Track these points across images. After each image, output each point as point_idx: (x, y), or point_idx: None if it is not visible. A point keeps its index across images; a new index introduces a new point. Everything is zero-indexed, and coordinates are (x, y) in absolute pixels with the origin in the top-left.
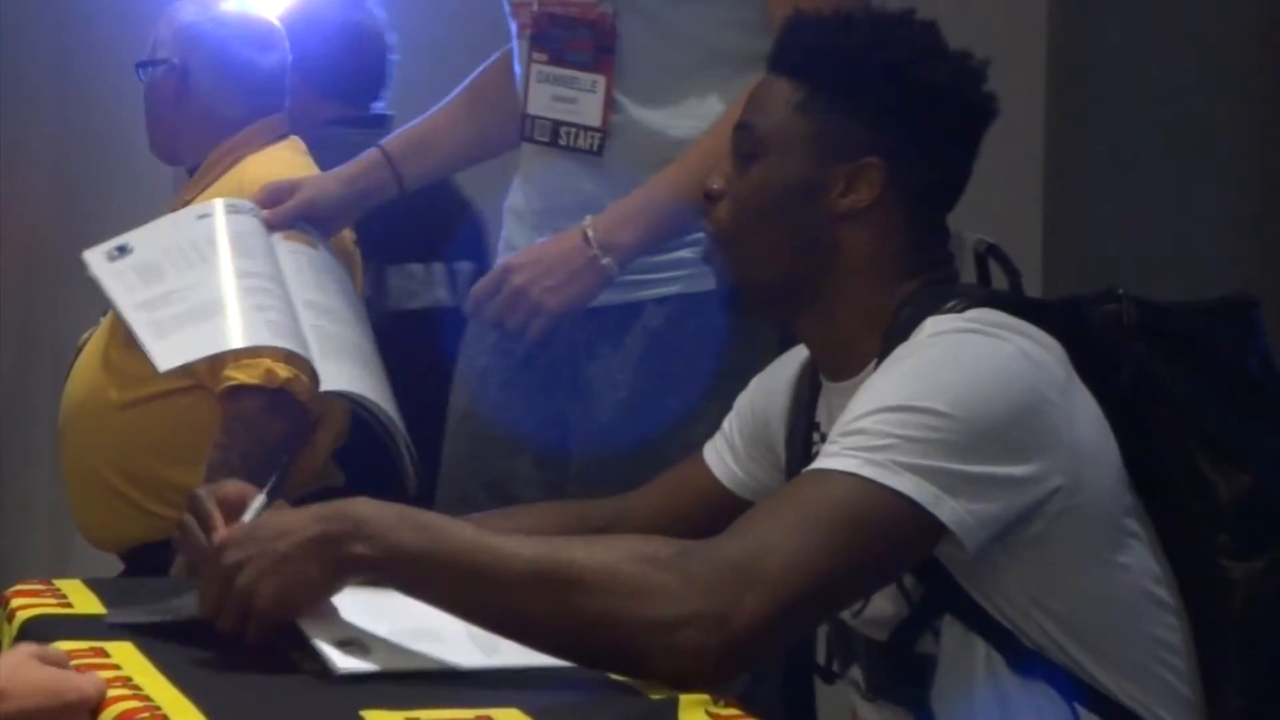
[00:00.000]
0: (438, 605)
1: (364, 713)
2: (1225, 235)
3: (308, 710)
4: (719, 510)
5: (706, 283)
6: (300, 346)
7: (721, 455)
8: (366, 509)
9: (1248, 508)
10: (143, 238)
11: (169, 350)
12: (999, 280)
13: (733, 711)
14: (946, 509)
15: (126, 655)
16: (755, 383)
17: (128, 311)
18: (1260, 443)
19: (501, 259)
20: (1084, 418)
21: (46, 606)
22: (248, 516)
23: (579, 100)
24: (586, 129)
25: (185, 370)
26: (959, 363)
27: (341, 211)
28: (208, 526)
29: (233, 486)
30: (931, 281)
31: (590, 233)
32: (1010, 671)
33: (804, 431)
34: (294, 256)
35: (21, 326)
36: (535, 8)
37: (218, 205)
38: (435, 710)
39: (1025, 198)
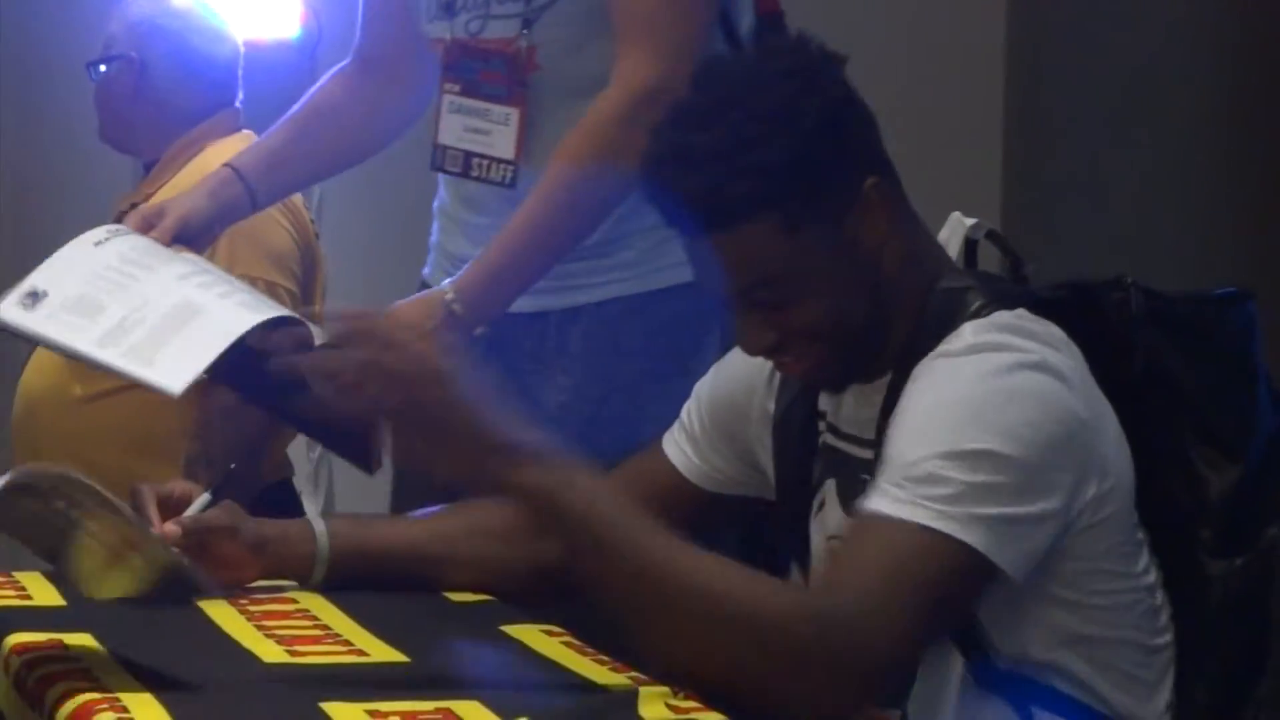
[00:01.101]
0: (599, 591)
1: (323, 705)
2: (1188, 230)
3: (267, 702)
4: (680, 502)
5: (644, 284)
6: (280, 310)
7: (681, 446)
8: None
9: (1234, 503)
10: (50, 277)
11: (171, 372)
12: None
13: (691, 704)
14: (1007, 556)
15: (86, 648)
16: (716, 370)
17: (91, 351)
18: (1258, 433)
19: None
20: (1107, 429)
21: (5, 598)
22: (189, 513)
23: (492, 133)
24: (499, 161)
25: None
26: (1009, 396)
27: (209, 227)
28: (145, 520)
29: (178, 485)
30: (947, 273)
31: (457, 308)
32: (979, 685)
33: (802, 420)
34: (198, 262)
35: None
36: (448, 39)
37: (101, 231)
38: (395, 703)
39: (983, 196)
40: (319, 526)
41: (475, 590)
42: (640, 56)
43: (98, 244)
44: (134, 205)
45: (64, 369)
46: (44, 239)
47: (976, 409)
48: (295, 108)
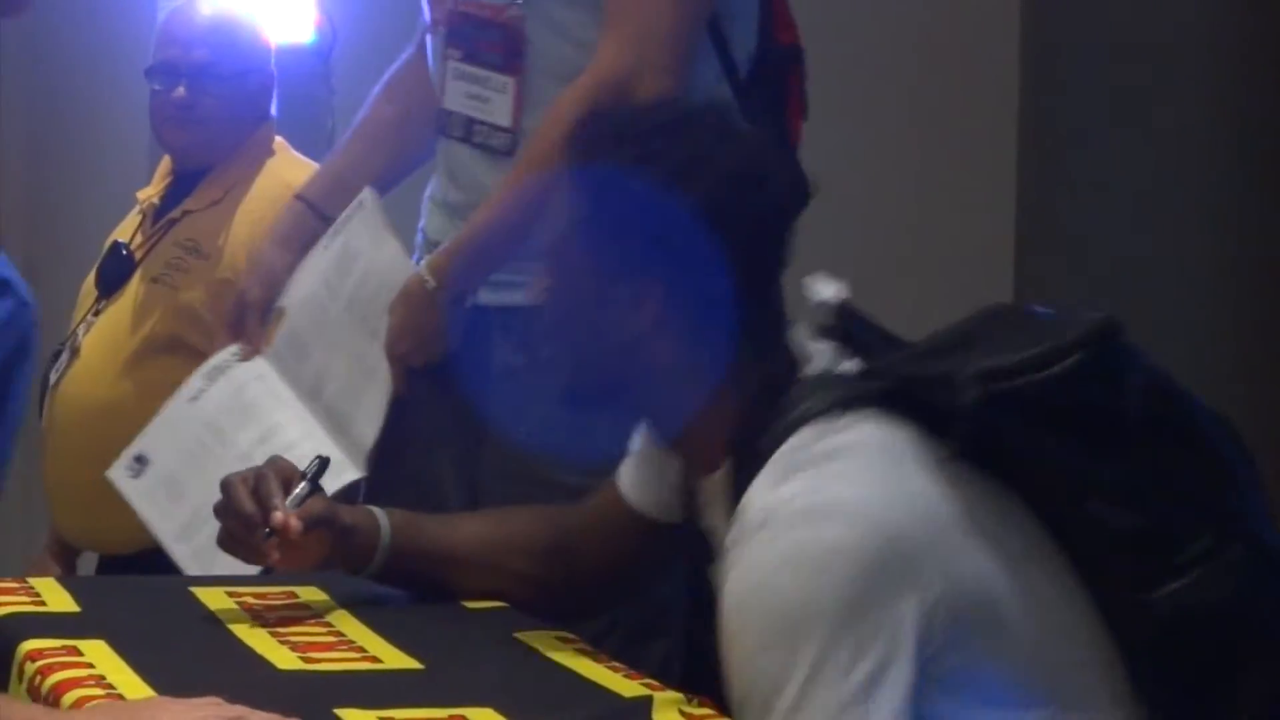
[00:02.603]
0: None
1: (338, 711)
2: (1202, 235)
3: (282, 709)
4: (639, 530)
5: None
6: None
7: (630, 474)
8: None
9: (1147, 543)
10: (156, 440)
11: None
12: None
13: (706, 711)
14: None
15: (99, 654)
16: None
17: (168, 544)
18: (1153, 477)
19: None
20: (932, 531)
21: (20, 604)
22: (291, 501)
23: (491, 100)
24: (498, 129)
25: None
26: (791, 578)
27: (293, 269)
28: (267, 504)
29: (283, 463)
30: (764, 380)
31: (431, 283)
32: None
33: (687, 496)
34: (275, 357)
35: None
36: (450, 4)
37: (198, 381)
38: (409, 709)
39: (998, 200)
40: (384, 520)
41: (499, 599)
42: (614, 45)
43: (193, 400)
44: (157, 205)
45: (129, 383)
46: (59, 231)
47: (771, 618)
48: (356, 121)
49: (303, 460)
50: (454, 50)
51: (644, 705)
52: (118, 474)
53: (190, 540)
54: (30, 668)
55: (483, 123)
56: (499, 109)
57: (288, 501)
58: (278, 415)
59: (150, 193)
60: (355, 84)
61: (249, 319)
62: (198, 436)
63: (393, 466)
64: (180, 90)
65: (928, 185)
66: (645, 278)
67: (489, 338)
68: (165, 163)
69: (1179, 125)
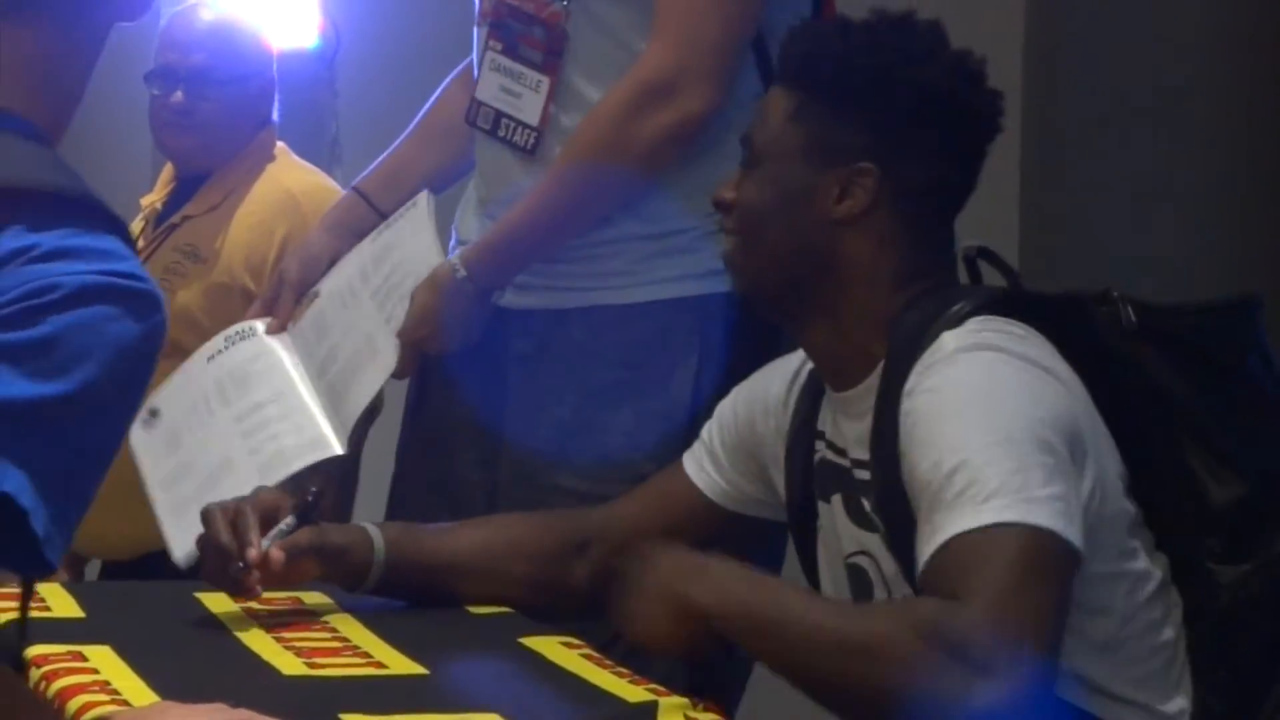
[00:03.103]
0: (754, 655)
1: (343, 716)
2: (1206, 237)
3: (286, 715)
4: (703, 521)
5: (631, 295)
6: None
7: (703, 465)
8: (710, 561)
9: (1239, 512)
10: (170, 394)
11: (185, 538)
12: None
13: (710, 717)
14: (1072, 531)
15: (104, 659)
16: (737, 392)
17: (150, 489)
18: (1258, 446)
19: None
20: (1090, 419)
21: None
22: (267, 541)
23: (523, 96)
24: (525, 126)
25: None
26: (1007, 389)
27: (335, 257)
28: (244, 540)
29: (267, 495)
30: (933, 287)
31: (462, 273)
32: None
33: (807, 442)
34: (298, 334)
35: None
36: None
37: (219, 341)
38: (414, 715)
39: (1002, 200)
40: (377, 537)
41: (502, 604)
42: (660, 49)
43: (210, 359)
44: (160, 211)
45: None
46: None
47: (983, 406)
48: (417, 119)
49: (270, 444)
50: (495, 43)
51: (649, 710)
52: (135, 431)
53: (170, 490)
54: (35, 673)
55: (510, 118)
56: (529, 107)
57: (267, 537)
58: (276, 390)
59: (153, 199)
60: (359, 89)
61: (283, 296)
62: (205, 393)
63: (417, 472)
64: (178, 95)
65: None
66: (858, 165)
67: (506, 339)
68: (168, 169)
69: (1180, 125)
